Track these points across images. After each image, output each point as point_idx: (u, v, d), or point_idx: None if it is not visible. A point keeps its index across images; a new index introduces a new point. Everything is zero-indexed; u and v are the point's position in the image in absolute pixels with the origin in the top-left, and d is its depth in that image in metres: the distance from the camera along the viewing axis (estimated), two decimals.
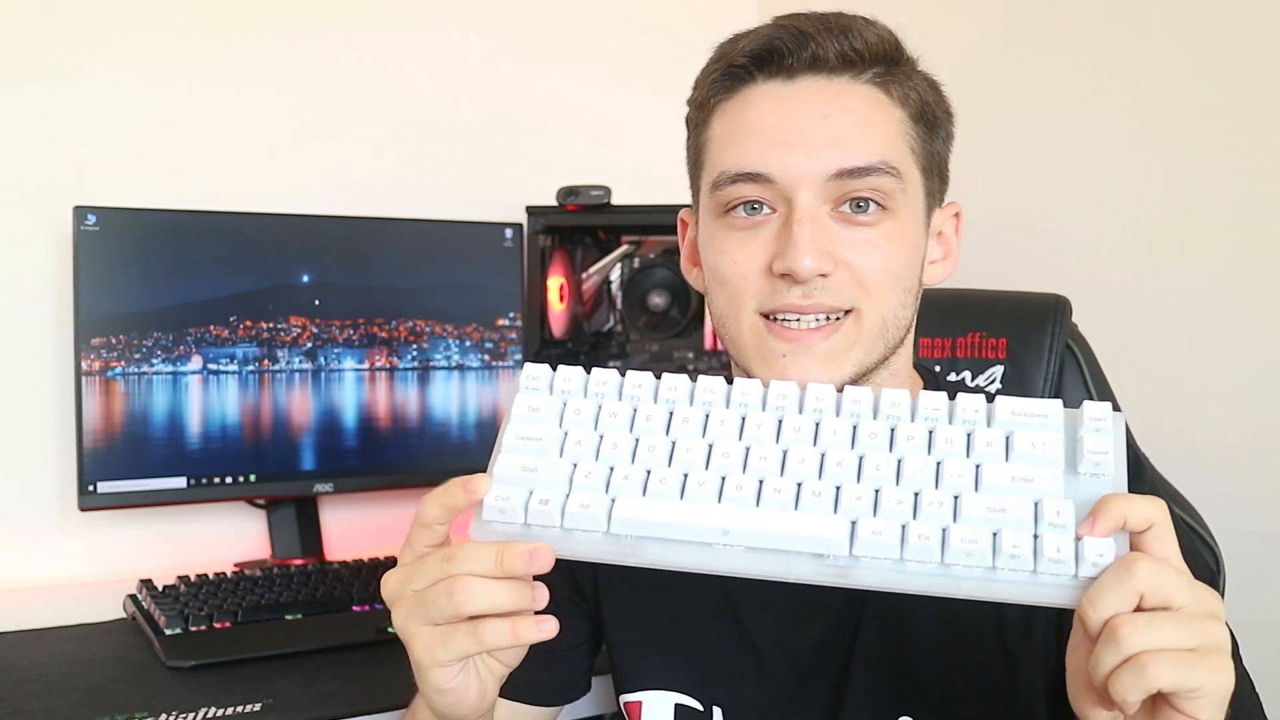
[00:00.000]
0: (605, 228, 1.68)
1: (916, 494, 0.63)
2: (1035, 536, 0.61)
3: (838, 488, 0.64)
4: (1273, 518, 1.26)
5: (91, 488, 1.40)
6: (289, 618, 1.28)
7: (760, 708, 0.87)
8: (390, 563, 1.45)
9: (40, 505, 1.51)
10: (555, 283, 1.65)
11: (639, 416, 0.68)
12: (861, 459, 0.65)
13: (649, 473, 0.66)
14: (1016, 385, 1.10)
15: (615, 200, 1.59)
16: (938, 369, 1.12)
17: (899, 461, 0.65)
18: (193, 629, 1.23)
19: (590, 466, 0.67)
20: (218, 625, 1.24)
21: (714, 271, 0.82)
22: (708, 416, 0.68)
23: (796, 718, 0.86)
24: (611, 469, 0.67)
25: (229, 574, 1.38)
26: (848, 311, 0.79)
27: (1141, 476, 0.84)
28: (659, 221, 1.64)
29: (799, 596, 0.76)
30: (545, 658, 0.94)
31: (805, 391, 0.68)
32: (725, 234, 0.81)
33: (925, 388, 0.89)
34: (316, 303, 1.51)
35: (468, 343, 1.60)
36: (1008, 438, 0.65)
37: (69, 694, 1.09)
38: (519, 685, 0.93)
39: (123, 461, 1.41)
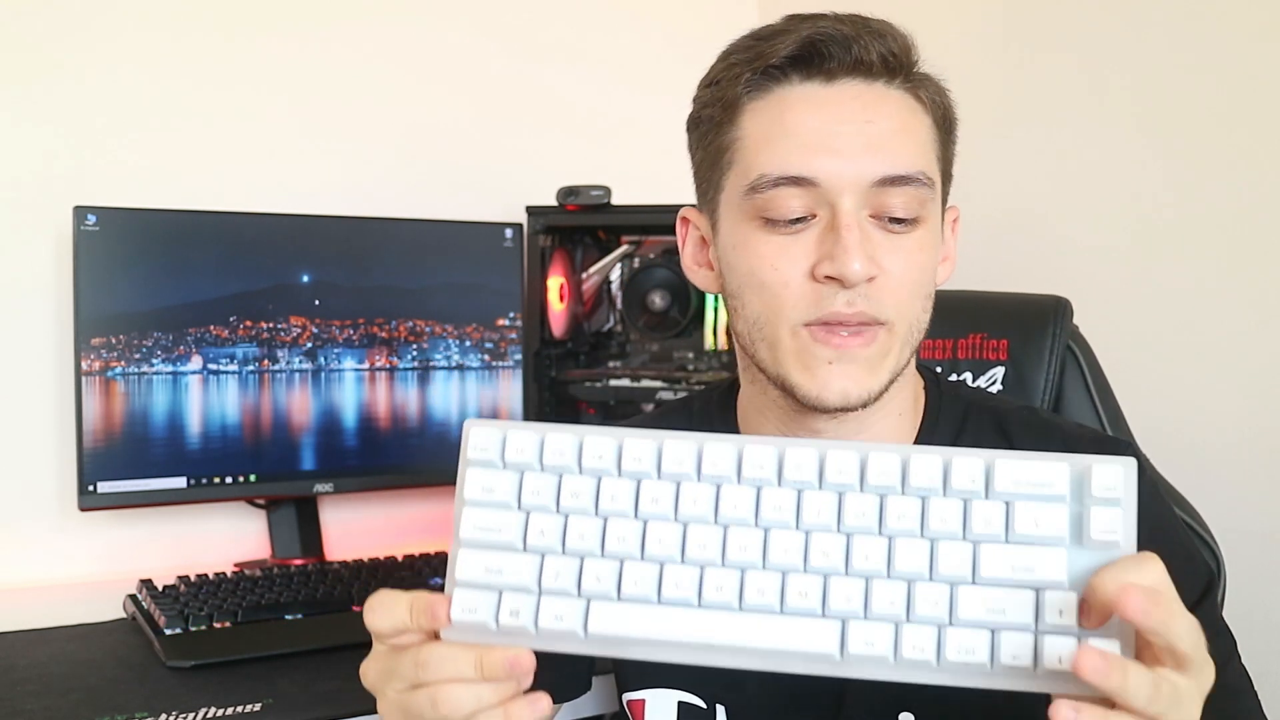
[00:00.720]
0: (605, 228, 1.68)
1: (909, 584, 0.59)
2: (1035, 635, 0.58)
3: (825, 580, 0.59)
4: (1273, 517, 1.26)
5: (91, 488, 1.40)
6: (289, 618, 1.28)
7: (763, 706, 0.87)
8: (390, 563, 1.45)
9: (40, 505, 1.51)
10: (555, 283, 1.65)
11: (603, 495, 0.62)
12: (849, 542, 0.59)
13: (622, 566, 0.61)
14: (1017, 386, 1.10)
15: (615, 200, 1.59)
16: (938, 370, 1.12)
17: (889, 544, 0.59)
18: (193, 629, 1.23)
19: (558, 566, 0.62)
20: (218, 625, 1.24)
21: (750, 276, 0.80)
22: (678, 489, 0.61)
23: (799, 715, 0.86)
24: (582, 562, 0.62)
25: (229, 574, 1.38)
26: (883, 324, 0.79)
27: (1141, 476, 0.84)
28: (659, 221, 1.64)
29: None
30: (540, 658, 0.94)
31: (783, 455, 0.60)
32: (763, 239, 0.79)
33: (926, 390, 0.90)
34: (316, 303, 1.51)
35: (468, 343, 1.60)
36: (1007, 509, 0.59)
37: (69, 694, 1.09)
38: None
39: (123, 461, 1.41)
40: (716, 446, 0.61)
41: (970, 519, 0.59)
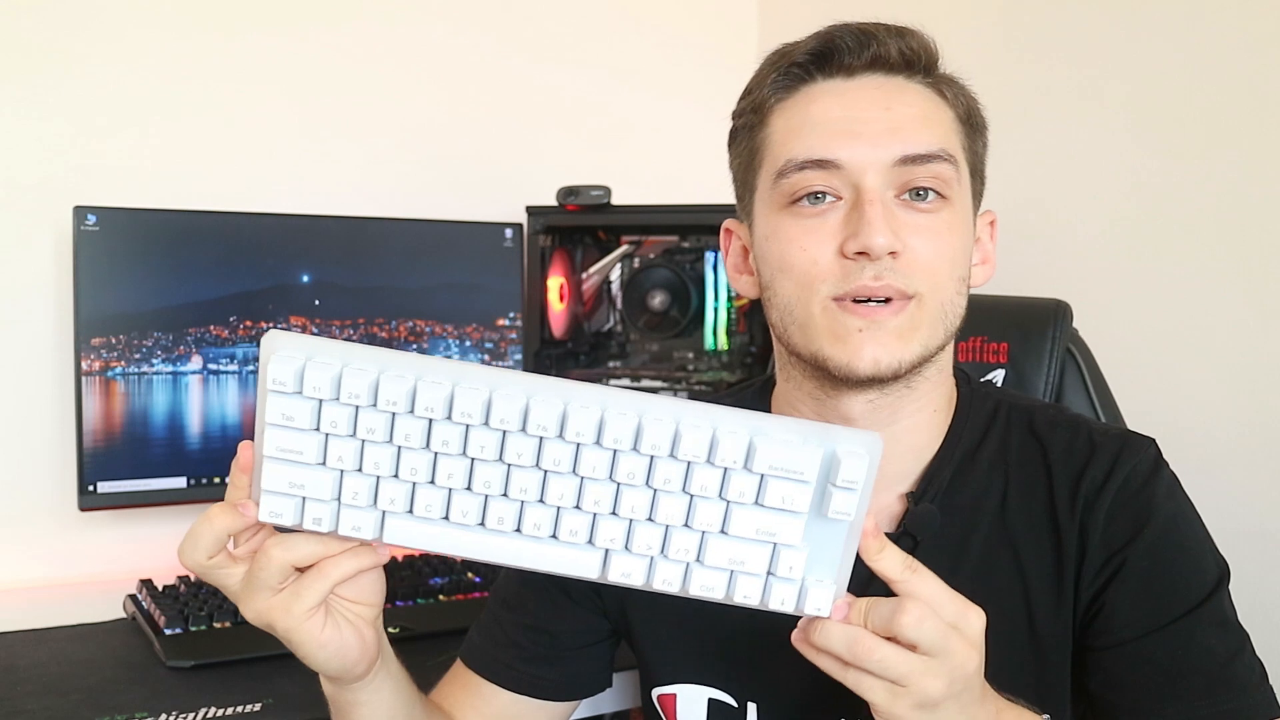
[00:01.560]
0: (605, 228, 1.68)
1: (666, 529, 0.66)
2: (767, 579, 0.68)
3: (594, 520, 0.66)
4: (1273, 518, 1.26)
5: (91, 488, 1.40)
6: None
7: (795, 705, 0.88)
8: (390, 563, 1.44)
9: (40, 505, 1.51)
10: (555, 283, 1.65)
11: (396, 432, 0.66)
12: (618, 491, 0.66)
13: (414, 489, 0.67)
14: (1018, 389, 1.11)
15: (615, 200, 1.60)
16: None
17: (653, 496, 0.66)
18: (193, 629, 1.23)
19: (356, 485, 0.67)
20: (218, 625, 1.24)
21: (780, 260, 0.82)
22: (466, 433, 0.65)
23: (830, 713, 0.86)
24: (377, 483, 0.67)
25: None
26: (912, 296, 0.80)
27: (1159, 472, 0.86)
28: (659, 221, 1.65)
29: None
30: (551, 654, 0.95)
31: (565, 414, 0.65)
32: (791, 223, 0.82)
33: (959, 390, 0.91)
34: (316, 303, 1.51)
35: (468, 343, 1.60)
36: (760, 483, 0.66)
37: (69, 694, 1.09)
38: (525, 679, 0.95)
39: (123, 461, 1.41)
40: (505, 403, 0.65)
41: (727, 487, 0.66)
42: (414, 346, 1.57)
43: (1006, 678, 0.82)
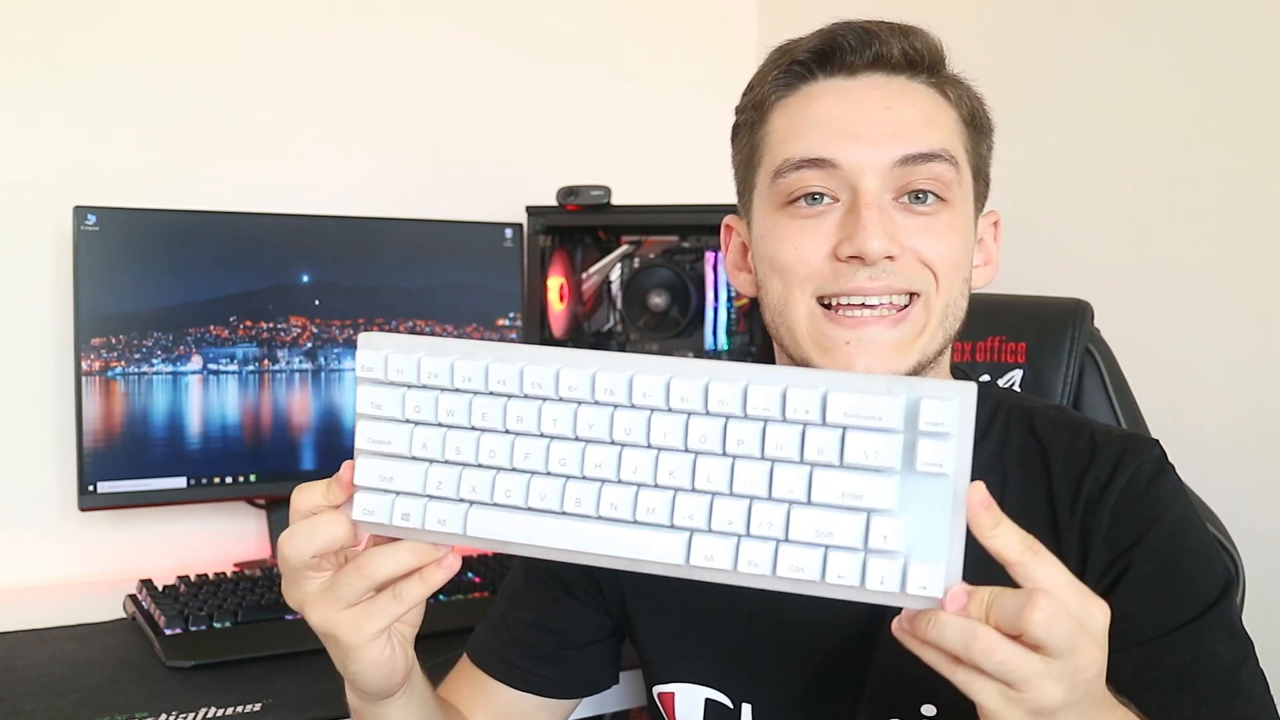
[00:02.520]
0: (605, 228, 1.67)
1: (749, 502, 0.62)
2: (864, 556, 0.61)
3: (673, 496, 0.64)
4: None
5: (91, 488, 1.40)
6: (289, 618, 1.28)
7: (790, 706, 0.88)
8: None
9: (40, 505, 1.51)
10: (555, 283, 1.65)
11: (474, 414, 0.67)
12: (695, 461, 0.63)
13: (495, 477, 0.67)
14: (1035, 389, 1.10)
15: (615, 200, 1.59)
16: (982, 376, 1.11)
17: (731, 464, 0.63)
18: (193, 629, 1.23)
19: (440, 475, 0.68)
20: (218, 625, 1.24)
21: (772, 260, 0.82)
22: (540, 409, 0.66)
23: (825, 715, 0.86)
24: (460, 473, 0.68)
25: (229, 574, 1.38)
26: (914, 295, 0.79)
27: (1164, 475, 0.84)
28: (659, 221, 1.64)
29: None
30: (554, 652, 0.95)
31: (633, 380, 0.64)
32: (787, 222, 0.81)
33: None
34: (316, 303, 1.51)
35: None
36: (842, 438, 0.61)
37: (69, 694, 1.10)
38: (528, 677, 0.95)
39: (123, 461, 1.41)
40: (573, 371, 0.65)
41: (806, 445, 0.61)
42: None
43: None
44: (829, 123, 0.80)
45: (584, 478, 0.65)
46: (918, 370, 0.81)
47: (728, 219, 0.92)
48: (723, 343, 1.63)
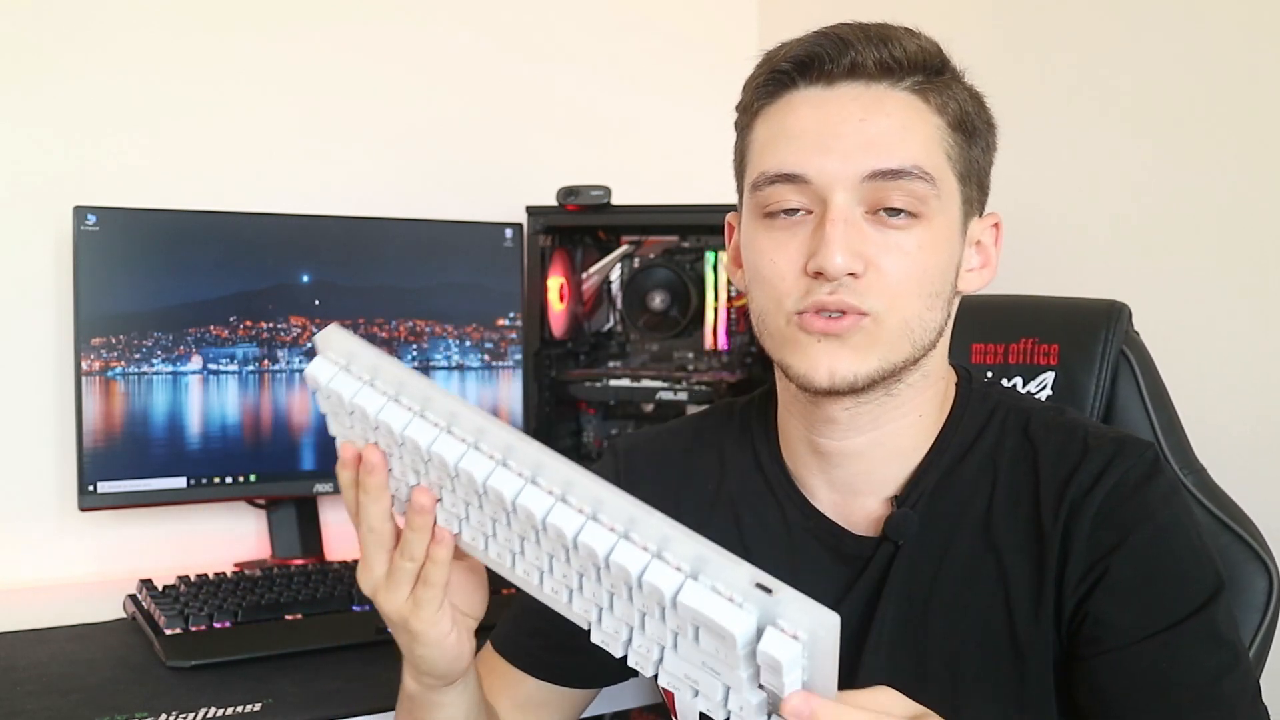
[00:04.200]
0: (605, 228, 1.68)
1: (641, 616, 0.62)
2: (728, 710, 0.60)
3: (570, 592, 0.68)
4: None
5: (91, 488, 1.40)
6: (289, 618, 1.28)
7: None
8: None
9: (40, 505, 1.51)
10: (555, 283, 1.65)
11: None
12: (580, 578, 0.66)
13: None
14: (1068, 392, 1.08)
15: (615, 200, 1.59)
16: (989, 375, 1.10)
17: (609, 597, 0.64)
18: (193, 629, 1.23)
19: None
20: (218, 625, 1.24)
21: (754, 271, 0.84)
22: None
23: None
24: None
25: (229, 574, 1.38)
26: (866, 314, 0.80)
27: (1153, 481, 0.83)
28: (659, 221, 1.64)
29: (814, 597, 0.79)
30: (573, 642, 0.95)
31: (519, 496, 0.65)
32: (764, 235, 0.83)
33: (959, 386, 0.91)
34: (316, 303, 1.51)
35: (468, 343, 1.60)
36: (694, 628, 0.59)
37: (69, 694, 1.09)
38: (549, 666, 0.97)
39: (123, 461, 1.41)
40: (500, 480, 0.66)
41: (667, 619, 0.61)
42: (414, 346, 1.57)
43: (989, 687, 0.82)
44: (802, 135, 0.81)
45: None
46: (884, 374, 0.81)
47: (729, 216, 0.93)
48: (723, 343, 1.63)
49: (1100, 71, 1.47)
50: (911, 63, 0.81)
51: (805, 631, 0.55)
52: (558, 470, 0.63)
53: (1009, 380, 1.11)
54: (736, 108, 0.88)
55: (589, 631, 0.67)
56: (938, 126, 0.82)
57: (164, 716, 1.05)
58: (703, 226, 1.63)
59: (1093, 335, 1.09)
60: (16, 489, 1.51)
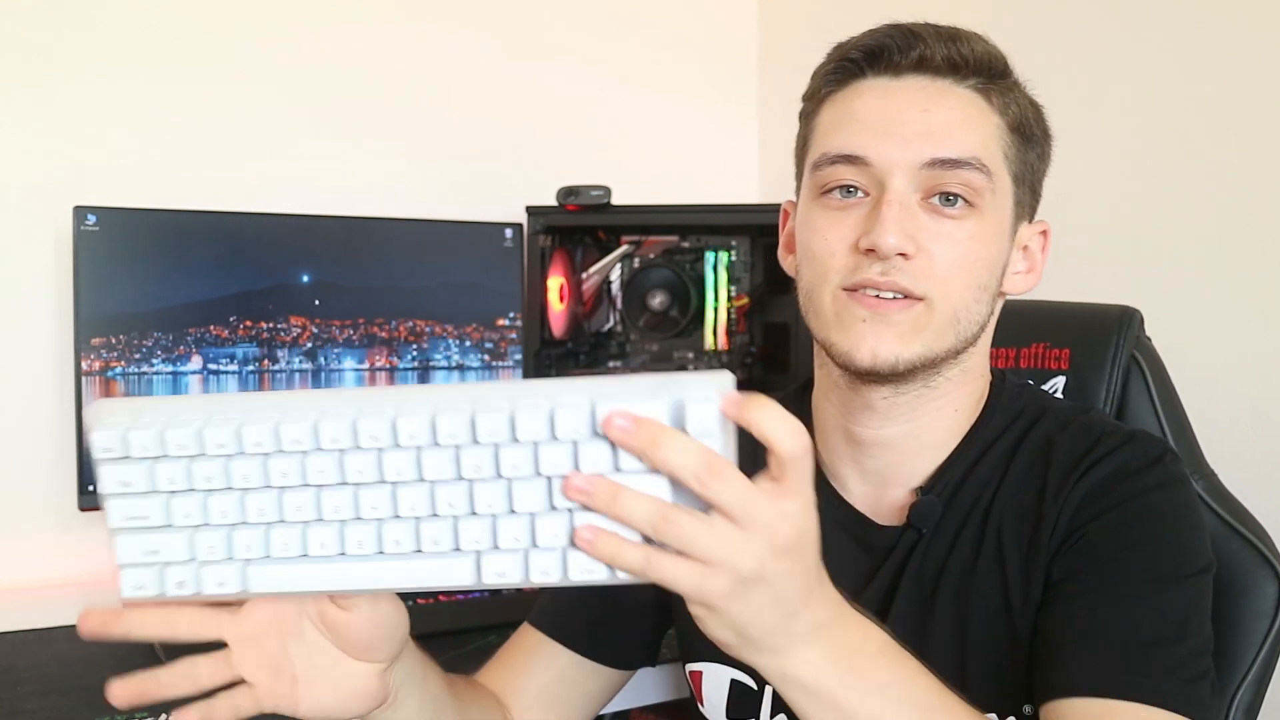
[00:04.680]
0: (605, 228, 1.67)
1: (532, 518, 0.61)
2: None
3: (454, 522, 0.62)
4: None
5: (91, 488, 1.40)
6: None
7: None
8: None
9: (40, 505, 1.51)
10: (555, 283, 1.65)
11: (234, 476, 0.64)
12: (471, 487, 0.62)
13: (268, 531, 0.64)
14: (1078, 396, 1.08)
15: (615, 200, 1.59)
16: (1028, 381, 1.10)
17: (509, 485, 0.61)
18: None
19: (210, 539, 0.64)
20: None
21: (806, 248, 0.86)
22: (304, 461, 0.64)
23: None
24: (231, 533, 0.64)
25: None
26: (920, 299, 0.82)
27: (1150, 470, 0.83)
28: (659, 221, 1.64)
29: (838, 585, 0.80)
30: (613, 621, 0.98)
31: (396, 421, 0.63)
32: (820, 213, 0.85)
33: (992, 386, 0.92)
34: (316, 303, 1.51)
35: (468, 343, 1.60)
36: (614, 449, 0.60)
37: (69, 694, 1.10)
38: (587, 641, 0.97)
39: None
40: (333, 424, 0.63)
41: (580, 458, 0.60)
42: (414, 346, 1.57)
43: (993, 670, 0.83)
44: (866, 120, 0.83)
45: (360, 520, 0.64)
46: (925, 361, 0.82)
47: (785, 203, 0.95)
48: (723, 343, 1.63)
49: (1113, 73, 1.46)
50: (977, 63, 0.84)
51: (716, 392, 0.58)
52: (418, 393, 0.63)
53: None
54: (803, 96, 0.91)
55: (474, 587, 0.64)
56: (998, 125, 0.84)
57: (164, 716, 1.05)
58: (703, 226, 1.63)
59: (1104, 340, 1.09)
60: (16, 489, 1.51)
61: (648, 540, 0.59)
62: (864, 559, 0.89)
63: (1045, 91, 0.89)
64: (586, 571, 0.61)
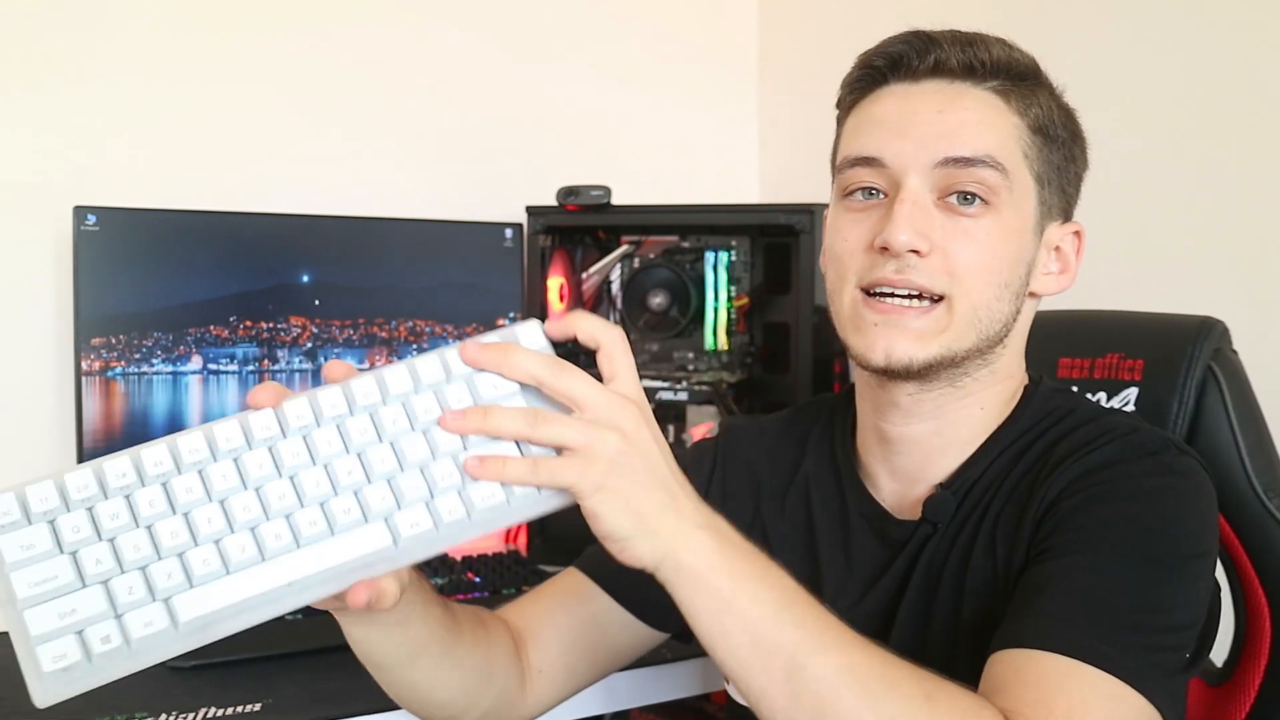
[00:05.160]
0: (605, 228, 1.68)
1: (422, 469, 0.67)
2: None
3: (358, 494, 0.66)
4: None
5: None
6: (289, 618, 1.27)
7: None
8: None
9: None
10: (555, 283, 1.65)
11: (139, 508, 0.63)
12: (363, 457, 0.67)
13: (184, 557, 0.64)
14: (1150, 408, 1.05)
15: (615, 200, 1.59)
16: (1074, 389, 1.07)
17: (394, 446, 0.67)
18: None
19: (128, 582, 0.63)
20: None
21: (830, 249, 0.90)
22: (202, 476, 0.65)
23: None
24: (146, 570, 0.63)
25: None
26: (940, 298, 0.83)
27: (1151, 470, 0.82)
28: (659, 221, 1.65)
29: (858, 576, 0.89)
30: (654, 580, 0.96)
31: (282, 413, 0.66)
32: (843, 215, 0.88)
33: (1026, 389, 0.91)
34: (316, 303, 1.51)
35: None
36: (471, 387, 0.69)
37: None
38: (627, 590, 0.96)
39: None
40: (223, 426, 0.66)
41: (446, 399, 0.68)
42: (414, 346, 1.57)
43: (983, 653, 0.81)
44: (883, 123, 0.86)
45: (268, 518, 0.65)
46: (946, 360, 0.84)
47: (826, 211, 0.97)
48: (723, 343, 1.63)
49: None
50: (996, 66, 0.85)
51: (536, 324, 0.71)
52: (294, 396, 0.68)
53: (1093, 395, 1.08)
54: (836, 105, 0.93)
55: (398, 551, 0.67)
56: (1016, 125, 0.85)
57: (164, 716, 1.05)
58: (703, 226, 1.63)
59: (1179, 351, 1.05)
60: None
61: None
62: (882, 552, 0.91)
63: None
64: (487, 499, 0.67)
